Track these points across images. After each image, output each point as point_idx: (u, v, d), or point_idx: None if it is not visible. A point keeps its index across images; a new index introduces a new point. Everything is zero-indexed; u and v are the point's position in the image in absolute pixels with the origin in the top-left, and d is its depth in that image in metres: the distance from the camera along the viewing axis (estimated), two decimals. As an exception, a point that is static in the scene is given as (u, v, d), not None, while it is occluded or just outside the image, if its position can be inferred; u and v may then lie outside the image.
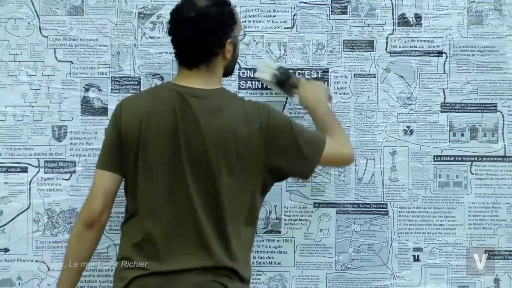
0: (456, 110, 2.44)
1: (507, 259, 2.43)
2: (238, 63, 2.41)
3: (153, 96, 1.99)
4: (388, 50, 2.45)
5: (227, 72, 2.09)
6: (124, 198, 2.04)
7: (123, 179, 2.01)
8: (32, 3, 2.41)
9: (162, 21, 2.42)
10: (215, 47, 1.97)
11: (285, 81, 2.33)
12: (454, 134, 2.44)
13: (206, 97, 1.95)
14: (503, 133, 2.44)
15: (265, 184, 2.03)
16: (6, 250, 2.39)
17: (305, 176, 2.12)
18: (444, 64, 2.45)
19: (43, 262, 2.40)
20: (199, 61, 1.97)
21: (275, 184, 2.42)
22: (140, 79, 2.42)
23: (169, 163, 1.92)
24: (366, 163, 2.44)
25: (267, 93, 2.43)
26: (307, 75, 2.43)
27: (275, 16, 2.44)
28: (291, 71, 2.42)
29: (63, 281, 2.04)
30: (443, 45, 2.45)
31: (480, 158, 2.44)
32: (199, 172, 1.92)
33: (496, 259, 2.43)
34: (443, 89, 2.45)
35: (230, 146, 1.92)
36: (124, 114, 1.97)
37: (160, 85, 2.06)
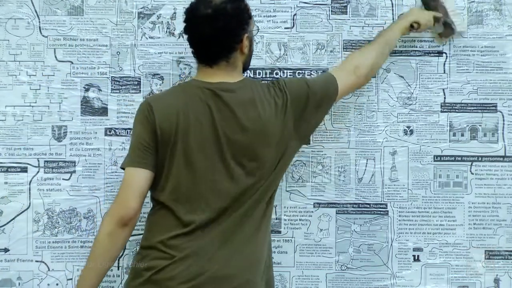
0: (456, 110, 2.44)
1: (507, 259, 2.43)
2: (238, 63, 2.42)
3: (184, 94, 2.00)
4: (388, 50, 2.45)
5: (244, 68, 2.11)
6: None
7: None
8: (32, 3, 2.41)
9: (162, 21, 2.42)
10: (234, 43, 2.00)
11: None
12: (454, 134, 2.44)
13: (236, 89, 1.99)
14: (503, 133, 2.44)
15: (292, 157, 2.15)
16: (6, 250, 2.39)
17: (322, 120, 2.20)
18: (444, 64, 2.45)
19: (43, 262, 2.39)
20: (218, 58, 2.00)
21: (275, 184, 2.41)
22: (140, 79, 2.42)
23: (211, 158, 1.96)
24: (366, 163, 2.44)
25: (267, 93, 2.43)
26: (307, 74, 2.43)
27: (275, 16, 2.44)
28: (290, 71, 2.43)
29: (88, 280, 2.00)
30: (443, 45, 2.45)
31: (480, 158, 2.44)
32: (242, 163, 1.96)
33: (496, 259, 2.43)
34: (443, 89, 2.45)
35: (269, 134, 1.98)
36: (157, 113, 1.97)
37: (186, 83, 2.09)
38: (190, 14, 2.00)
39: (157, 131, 1.96)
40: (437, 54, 2.44)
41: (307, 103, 2.06)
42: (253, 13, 2.41)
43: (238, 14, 1.99)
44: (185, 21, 2.02)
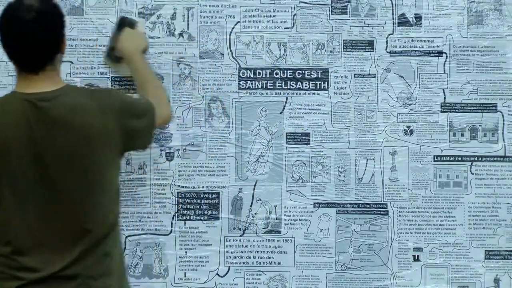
0: (456, 110, 2.44)
1: (507, 259, 2.43)
2: (238, 63, 2.41)
3: (3, 111, 1.88)
4: (388, 50, 2.45)
5: None
6: None
7: None
8: (32, 3, 2.41)
9: (162, 21, 2.42)
10: (60, 43, 1.93)
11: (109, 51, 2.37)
12: (454, 134, 2.44)
13: (57, 98, 1.88)
14: (503, 133, 2.44)
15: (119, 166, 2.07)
16: (6, 250, 2.39)
17: (145, 148, 2.16)
18: (444, 64, 2.45)
19: (43, 262, 2.39)
20: (46, 62, 1.90)
21: (275, 184, 2.42)
22: (140, 79, 2.42)
23: (34, 174, 1.85)
24: (366, 163, 2.44)
25: (267, 93, 2.43)
26: (307, 74, 2.43)
27: (275, 16, 2.44)
28: (290, 71, 2.43)
29: None
30: (443, 45, 2.45)
31: (480, 158, 2.44)
32: (67, 176, 1.87)
33: (496, 259, 2.43)
34: (443, 89, 2.45)
35: (92, 142, 1.89)
36: None
37: (5, 96, 1.95)
38: (10, 22, 1.85)
39: None
40: (437, 54, 2.45)
41: (134, 122, 1.99)
42: (253, 13, 2.43)
43: (60, 13, 1.93)
44: (2, 31, 1.86)
